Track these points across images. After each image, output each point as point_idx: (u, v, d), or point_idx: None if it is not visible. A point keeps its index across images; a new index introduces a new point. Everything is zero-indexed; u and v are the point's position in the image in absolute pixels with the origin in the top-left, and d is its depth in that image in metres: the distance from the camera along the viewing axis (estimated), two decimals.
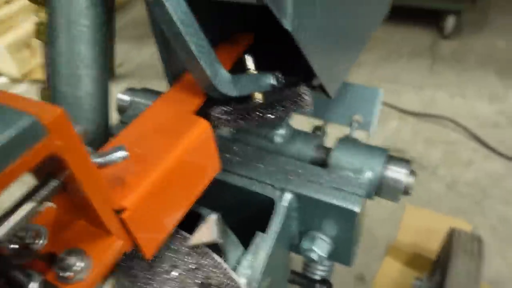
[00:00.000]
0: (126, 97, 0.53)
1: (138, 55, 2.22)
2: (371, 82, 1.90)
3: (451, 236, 1.02)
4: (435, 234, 1.28)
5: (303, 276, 0.67)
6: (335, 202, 0.43)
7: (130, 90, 0.53)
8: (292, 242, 0.51)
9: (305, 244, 0.48)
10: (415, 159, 1.53)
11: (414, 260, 1.28)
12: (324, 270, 0.80)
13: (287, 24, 0.29)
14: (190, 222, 0.44)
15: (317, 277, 0.77)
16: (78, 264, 0.28)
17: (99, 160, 0.28)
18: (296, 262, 0.82)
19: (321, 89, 0.48)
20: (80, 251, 0.29)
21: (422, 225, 1.35)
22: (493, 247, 1.26)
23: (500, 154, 1.52)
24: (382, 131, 1.65)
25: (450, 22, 2.01)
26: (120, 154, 0.28)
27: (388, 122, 1.69)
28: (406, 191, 0.44)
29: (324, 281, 0.68)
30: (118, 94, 0.54)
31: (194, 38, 0.31)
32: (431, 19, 2.16)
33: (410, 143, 1.60)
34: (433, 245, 1.25)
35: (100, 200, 0.28)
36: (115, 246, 0.30)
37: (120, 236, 0.31)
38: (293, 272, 0.66)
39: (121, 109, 0.53)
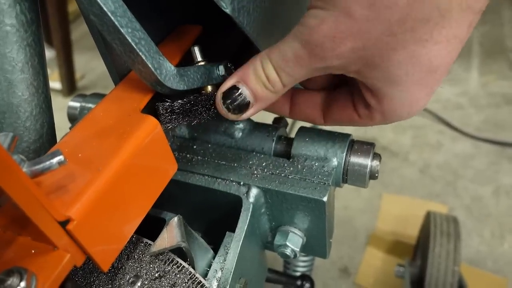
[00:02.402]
0: (76, 104, 0.50)
1: (99, 65, 2.16)
2: None
3: (428, 220, 1.04)
4: (413, 219, 1.30)
5: (282, 274, 0.65)
6: (302, 193, 0.41)
7: (80, 96, 0.51)
8: (265, 240, 0.49)
9: (277, 240, 0.46)
10: (386, 147, 1.55)
11: (395, 247, 1.29)
12: (304, 266, 0.79)
13: (225, 6, 0.28)
14: (157, 230, 0.42)
15: (297, 274, 0.76)
16: (20, 283, 0.25)
17: (33, 168, 0.26)
18: (280, 261, 0.80)
19: None
20: (22, 270, 0.26)
21: (400, 212, 1.36)
22: (469, 227, 1.28)
23: (466, 135, 1.56)
24: None
25: None
26: (56, 159, 0.26)
27: None
28: (372, 174, 0.43)
29: (304, 276, 0.67)
30: (69, 102, 0.52)
31: (129, 30, 0.29)
32: None
33: (380, 131, 1.62)
34: (412, 230, 1.27)
35: (38, 212, 0.25)
36: (62, 260, 0.27)
37: (69, 249, 0.28)
38: (272, 271, 0.65)
39: (72, 117, 0.50)
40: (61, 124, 0.48)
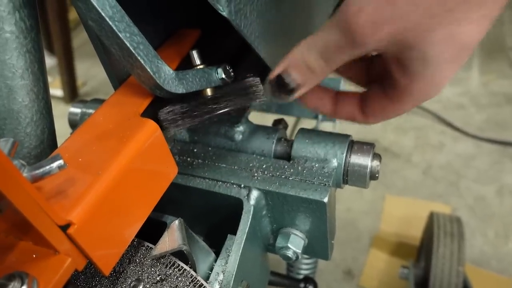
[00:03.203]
0: (77, 110, 0.50)
1: (100, 72, 2.17)
2: None
3: (431, 220, 1.03)
4: (416, 221, 1.29)
5: (284, 277, 0.65)
6: (302, 194, 0.41)
7: (81, 102, 0.51)
8: (266, 242, 0.49)
9: (279, 242, 0.46)
10: (388, 148, 1.55)
11: (399, 248, 1.28)
12: (308, 268, 0.79)
13: (222, 9, 0.28)
14: (158, 233, 0.42)
15: (301, 277, 0.76)
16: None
17: (34, 173, 0.26)
18: (283, 264, 0.80)
19: None
20: (23, 274, 0.26)
21: (403, 213, 1.36)
22: (473, 227, 1.28)
23: (468, 135, 1.56)
24: (353, 124, 1.67)
25: None
26: (56, 163, 0.26)
27: None
28: (372, 175, 0.43)
29: (307, 279, 0.67)
30: (70, 108, 0.52)
31: (127, 34, 0.29)
32: None
33: (381, 133, 1.62)
34: (416, 232, 1.27)
35: (39, 217, 0.26)
36: (63, 264, 0.27)
37: (70, 254, 0.29)
38: (275, 274, 0.65)
39: (73, 123, 0.50)
40: (63, 131, 0.48)
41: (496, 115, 1.63)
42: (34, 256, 0.28)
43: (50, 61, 2.19)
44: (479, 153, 1.49)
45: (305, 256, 0.70)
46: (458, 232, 0.98)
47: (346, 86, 0.76)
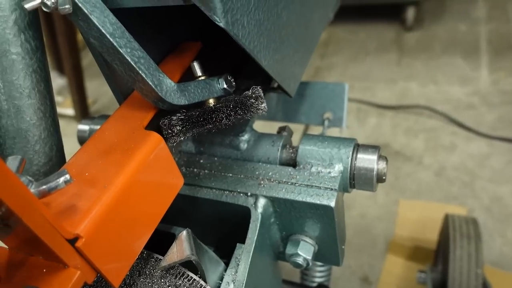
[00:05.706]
0: (85, 127, 0.51)
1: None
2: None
3: (447, 223, 1.01)
4: (432, 224, 1.27)
5: (298, 285, 0.65)
6: (309, 200, 0.41)
7: (89, 119, 0.52)
8: (276, 250, 0.49)
9: (289, 249, 0.46)
10: (399, 151, 1.54)
11: (415, 253, 1.26)
12: (321, 276, 0.78)
13: (219, 20, 0.28)
14: (167, 245, 0.42)
15: (314, 285, 0.75)
16: None
17: (41, 188, 0.27)
18: (297, 272, 0.79)
19: (281, 89, 0.47)
20: None
21: (418, 217, 1.34)
22: (491, 228, 1.25)
23: (480, 134, 1.53)
24: (363, 129, 1.66)
25: (411, 13, 2.07)
26: (62, 178, 0.26)
27: (367, 119, 1.70)
28: (379, 178, 0.43)
29: (321, 286, 0.66)
30: (78, 125, 0.53)
31: (128, 49, 0.30)
32: (392, 13, 2.21)
33: (391, 136, 1.60)
34: (432, 235, 1.24)
35: (47, 232, 0.26)
36: (72, 278, 0.28)
37: (79, 267, 0.29)
38: (287, 282, 0.64)
39: (82, 140, 0.51)
40: (76, 150, 0.49)
41: (508, 113, 1.60)
42: (44, 270, 0.28)
43: (60, 81, 2.23)
44: (493, 153, 1.46)
45: (318, 263, 0.70)
46: (475, 233, 0.96)
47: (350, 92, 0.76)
